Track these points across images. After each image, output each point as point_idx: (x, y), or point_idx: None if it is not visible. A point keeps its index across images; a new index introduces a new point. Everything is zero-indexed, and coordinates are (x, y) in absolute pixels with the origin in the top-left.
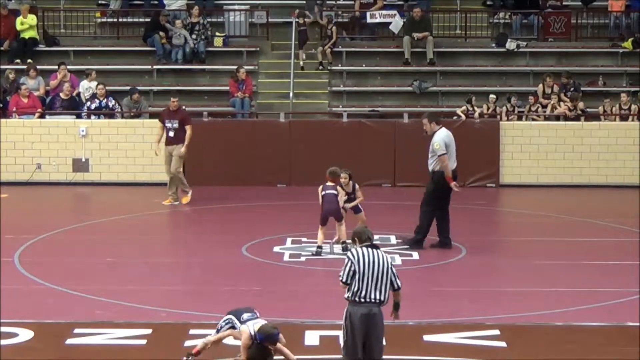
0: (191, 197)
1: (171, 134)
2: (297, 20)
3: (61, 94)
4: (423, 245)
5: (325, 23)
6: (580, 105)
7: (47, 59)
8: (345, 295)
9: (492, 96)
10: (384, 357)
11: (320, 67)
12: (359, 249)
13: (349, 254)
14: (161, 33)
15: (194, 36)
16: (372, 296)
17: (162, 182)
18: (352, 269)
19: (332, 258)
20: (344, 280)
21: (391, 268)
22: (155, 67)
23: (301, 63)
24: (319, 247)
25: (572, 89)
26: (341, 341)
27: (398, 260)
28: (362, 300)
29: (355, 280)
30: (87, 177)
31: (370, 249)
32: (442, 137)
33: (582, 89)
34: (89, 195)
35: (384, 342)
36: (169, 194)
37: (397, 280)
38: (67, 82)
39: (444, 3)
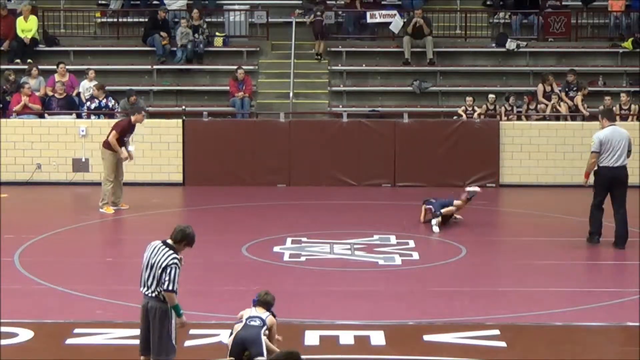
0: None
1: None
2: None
3: (55, 94)
4: (595, 240)
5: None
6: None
7: (47, 59)
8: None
9: (492, 96)
10: (384, 356)
11: (317, 57)
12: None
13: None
14: (162, 33)
15: (196, 35)
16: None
17: (162, 182)
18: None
19: (332, 258)
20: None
21: (163, 267)
22: (155, 67)
23: (320, 50)
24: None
25: (574, 88)
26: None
27: (398, 260)
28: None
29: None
30: (87, 177)
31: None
32: (598, 135)
33: None
34: (89, 195)
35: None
36: (121, 199)
37: (167, 284)
38: (59, 82)
39: (444, 3)
